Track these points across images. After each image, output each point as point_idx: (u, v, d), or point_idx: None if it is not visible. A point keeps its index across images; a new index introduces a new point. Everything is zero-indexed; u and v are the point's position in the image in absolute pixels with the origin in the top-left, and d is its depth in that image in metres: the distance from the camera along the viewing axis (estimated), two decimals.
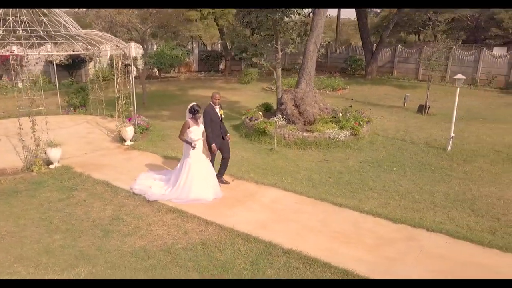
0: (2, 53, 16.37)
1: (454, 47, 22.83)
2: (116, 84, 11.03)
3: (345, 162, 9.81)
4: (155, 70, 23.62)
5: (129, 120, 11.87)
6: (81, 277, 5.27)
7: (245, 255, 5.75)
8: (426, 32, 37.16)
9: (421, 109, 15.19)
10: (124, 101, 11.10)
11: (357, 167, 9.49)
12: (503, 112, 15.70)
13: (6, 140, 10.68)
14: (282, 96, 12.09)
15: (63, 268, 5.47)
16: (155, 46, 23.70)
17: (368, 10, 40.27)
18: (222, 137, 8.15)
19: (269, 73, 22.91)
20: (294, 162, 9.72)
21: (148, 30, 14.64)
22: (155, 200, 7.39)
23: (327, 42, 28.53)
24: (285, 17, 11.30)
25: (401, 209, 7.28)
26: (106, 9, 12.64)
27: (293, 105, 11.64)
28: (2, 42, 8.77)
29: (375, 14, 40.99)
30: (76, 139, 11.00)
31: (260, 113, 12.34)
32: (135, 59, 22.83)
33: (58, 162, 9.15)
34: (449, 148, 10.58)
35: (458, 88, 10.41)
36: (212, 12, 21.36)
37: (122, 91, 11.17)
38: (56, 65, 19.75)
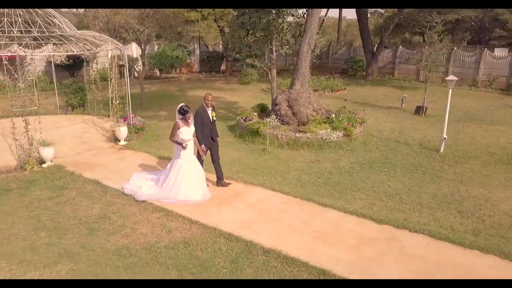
0: (3, 53, 16.59)
1: (455, 48, 22.75)
2: (110, 84, 11.14)
3: (336, 162, 9.83)
4: (156, 70, 23.76)
5: (125, 120, 11.99)
6: (62, 274, 5.36)
7: (225, 254, 5.81)
8: (430, 33, 37.19)
9: (419, 110, 15.15)
10: (118, 101, 11.18)
11: (348, 167, 9.51)
12: (501, 113, 15.61)
13: (2, 139, 10.83)
14: (276, 97, 12.13)
15: (46, 265, 5.56)
16: (156, 47, 23.84)
17: (372, 10, 40.27)
18: (212, 139, 8.18)
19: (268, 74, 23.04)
20: (286, 163, 9.76)
21: (146, 31, 14.71)
22: (144, 200, 7.45)
23: (330, 43, 28.55)
24: (279, 18, 11.32)
25: (386, 210, 7.30)
26: (103, 11, 12.74)
27: (287, 106, 11.68)
28: None
29: (379, 15, 40.87)
30: (71, 139, 11.13)
31: (255, 113, 12.39)
32: (136, 59, 23.03)
33: (51, 161, 9.28)
34: (442, 149, 10.56)
35: (450, 90, 10.39)
36: (212, 13, 21.45)
37: (116, 92, 11.28)
38: (57, 65, 19.99)
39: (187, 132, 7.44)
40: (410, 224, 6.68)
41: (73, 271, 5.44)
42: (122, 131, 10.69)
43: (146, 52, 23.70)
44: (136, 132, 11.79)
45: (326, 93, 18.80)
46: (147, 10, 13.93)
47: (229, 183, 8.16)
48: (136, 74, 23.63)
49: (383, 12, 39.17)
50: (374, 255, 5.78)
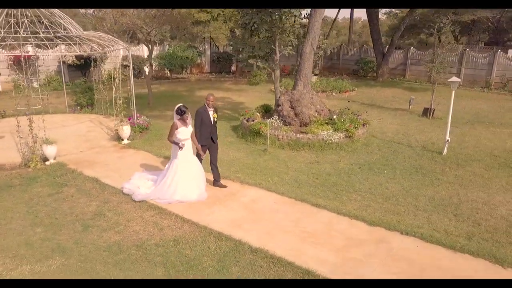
0: (17, 53, 16.99)
1: (467, 49, 22.40)
2: (114, 84, 11.33)
3: (336, 164, 9.81)
4: (167, 71, 24.01)
5: (129, 119, 12.18)
6: (52, 269, 5.49)
7: (213, 253, 5.87)
8: (446, 34, 36.62)
9: (426, 112, 14.97)
10: (121, 101, 11.36)
11: (347, 169, 9.47)
12: (511, 116, 15.31)
13: (10, 138, 11.11)
14: (279, 97, 12.16)
15: (38, 259, 5.71)
16: (167, 47, 24.10)
17: (387, 11, 39.87)
18: (213, 140, 8.20)
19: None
20: (285, 163, 9.77)
21: (153, 31, 14.90)
22: (141, 200, 7.49)
23: (341, 44, 28.42)
24: (281, 19, 11.35)
25: (381, 212, 7.26)
26: (110, 12, 12.97)
27: (289, 107, 11.69)
28: (2, 43, 9.14)
29: (394, 16, 40.44)
30: (76, 137, 11.35)
31: (258, 114, 12.43)
32: (147, 60, 23.32)
33: (54, 158, 9.49)
34: (445, 151, 10.43)
35: (453, 91, 10.25)
36: (222, 14, 21.57)
37: (120, 91, 11.46)
38: (69, 65, 20.44)
39: (184, 132, 7.50)
40: (402, 226, 6.63)
41: (64, 266, 5.57)
42: (125, 130, 10.86)
43: (157, 52, 24.08)
44: (140, 132, 11.97)
45: (334, 94, 18.73)
46: (153, 11, 14.10)
47: (226, 186, 8.19)
48: (147, 74, 23.96)
49: (397, 12, 38.79)
50: (360, 257, 5.77)
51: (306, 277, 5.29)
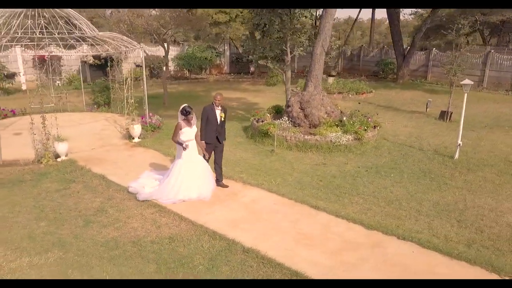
0: (41, 53, 17.60)
1: (492, 51, 21.74)
2: (126, 84, 11.58)
3: (342, 166, 9.72)
4: (186, 71, 24.32)
5: (142, 118, 12.42)
6: (50, 262, 5.68)
7: (206, 251, 5.93)
8: (474, 35, 35.53)
9: (443, 115, 14.62)
10: (133, 100, 11.59)
11: (353, 171, 9.37)
12: None
13: (27, 134, 11.49)
14: (289, 98, 12.14)
15: (38, 252, 5.91)
16: (186, 48, 24.41)
17: (413, 11, 39.07)
18: (218, 140, 8.24)
19: (297, 75, 22.98)
20: (291, 165, 9.75)
21: (169, 32, 15.14)
22: (145, 199, 7.55)
23: (361, 46, 28.08)
24: (291, 20, 11.32)
25: (381, 216, 7.15)
26: (126, 14, 13.27)
27: (299, 108, 11.66)
28: (18, 43, 9.50)
29: (420, 16, 39.58)
30: (90, 135, 11.66)
31: (269, 115, 12.44)
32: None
33: (66, 155, 9.78)
34: (457, 156, 10.16)
35: (466, 94, 9.97)
36: (240, 15, 21.68)
37: (132, 91, 11.70)
38: (90, 65, 20.98)
39: (188, 133, 7.57)
40: (400, 231, 6.52)
41: (61, 260, 5.74)
42: (136, 129, 11.08)
43: (176, 53, 24.43)
44: (152, 131, 12.18)
45: (350, 95, 18.53)
46: (168, 12, 14.32)
47: (227, 186, 8.24)
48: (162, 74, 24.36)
49: (423, 13, 37.95)
50: (353, 261, 5.71)
51: (294, 279, 5.28)
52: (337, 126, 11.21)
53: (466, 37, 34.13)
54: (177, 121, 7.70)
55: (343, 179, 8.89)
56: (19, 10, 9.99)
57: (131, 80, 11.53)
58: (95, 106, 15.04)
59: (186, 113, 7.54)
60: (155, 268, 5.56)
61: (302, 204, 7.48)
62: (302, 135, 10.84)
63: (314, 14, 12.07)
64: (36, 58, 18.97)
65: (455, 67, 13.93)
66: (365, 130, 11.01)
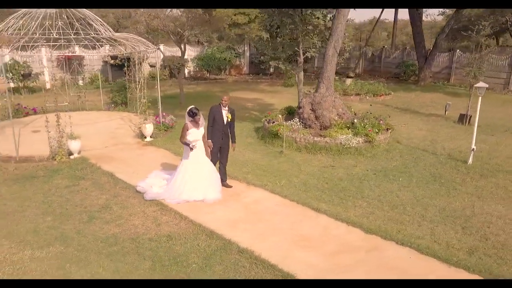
0: (66, 53, 18.15)
1: None
2: (138, 84, 11.80)
3: (351, 169, 9.61)
4: (205, 72, 24.55)
5: (156, 118, 12.64)
6: (50, 256, 5.86)
7: (201, 250, 5.99)
8: (505, 36, 34.35)
9: (462, 118, 14.23)
10: (145, 100, 11.80)
11: (361, 174, 9.25)
12: None
13: (44, 132, 11.88)
14: (301, 100, 12.10)
15: (40, 246, 6.11)
16: (206, 48, 24.64)
17: (441, 11, 38.14)
18: (222, 139, 8.30)
19: (316, 77, 22.82)
20: (298, 166, 9.71)
21: (186, 33, 15.34)
22: (152, 199, 7.64)
23: (382, 47, 27.65)
24: (302, 21, 11.28)
25: (383, 220, 7.04)
26: (142, 15, 13.54)
27: (310, 109, 11.59)
28: (35, 44, 9.84)
29: (447, 16, 38.61)
30: (104, 133, 11.95)
31: (280, 116, 12.41)
32: (186, 61, 23.99)
33: (79, 153, 10.06)
34: (470, 161, 9.88)
35: (480, 97, 9.68)
36: (260, 16, 21.70)
37: (145, 91, 11.91)
38: (112, 65, 21.47)
39: (195, 134, 7.63)
40: (400, 236, 6.40)
41: (61, 254, 5.92)
42: (148, 128, 11.29)
43: (196, 54, 24.70)
44: (165, 130, 12.36)
45: (368, 97, 18.27)
46: (184, 13, 14.52)
47: (231, 186, 8.28)
48: (186, 75, 24.67)
49: (451, 13, 36.97)
50: (349, 264, 5.65)
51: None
52: (348, 128, 11.09)
53: (493, 38, 33.21)
54: (185, 121, 7.78)
55: (350, 182, 8.79)
56: (38, 12, 10.34)
57: (145, 80, 11.73)
58: (112, 105, 15.39)
59: (193, 114, 7.60)
60: (150, 265, 5.66)
61: (304, 206, 7.45)
62: (312, 137, 10.78)
63: (328, 15, 11.88)
64: (61, 58, 19.61)
65: (474, 69, 13.54)
66: (377, 132, 10.85)
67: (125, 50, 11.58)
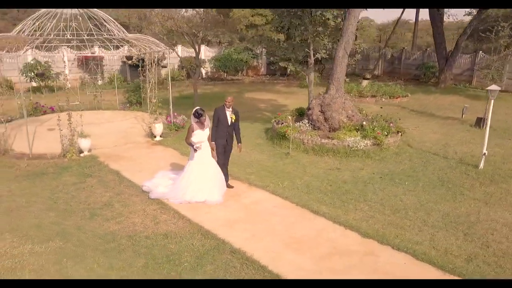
0: (85, 54, 18.61)
1: None
2: (149, 84, 11.99)
3: (357, 172, 9.49)
4: (222, 72, 24.72)
5: (167, 118, 12.82)
6: (49, 250, 6.03)
7: (195, 249, 6.05)
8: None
9: (479, 122, 13.84)
10: (155, 100, 11.98)
11: (367, 177, 9.13)
12: None
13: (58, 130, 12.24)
14: (311, 101, 12.03)
15: (41, 241, 6.28)
16: (223, 49, 24.81)
17: (468, 11, 37.10)
18: (227, 141, 8.34)
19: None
20: (304, 168, 9.67)
21: (200, 34, 15.50)
22: (156, 198, 7.73)
23: (403, 48, 27.19)
24: (312, 22, 11.22)
25: (382, 224, 6.93)
26: (155, 16, 13.76)
27: (319, 111, 11.52)
28: (49, 44, 10.15)
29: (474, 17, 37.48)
30: (116, 132, 12.19)
31: (290, 117, 12.36)
32: (203, 61, 24.23)
33: (89, 151, 10.31)
34: (481, 166, 9.60)
35: (492, 100, 9.40)
36: (272, 17, 21.74)
37: (156, 91, 12.10)
38: (130, 65, 21.91)
39: (200, 135, 7.68)
40: (397, 241, 6.29)
41: (60, 249, 6.07)
42: (157, 128, 11.46)
43: (214, 55, 24.89)
44: (176, 130, 12.54)
45: (384, 99, 18.00)
46: (198, 14, 14.67)
47: (232, 186, 8.31)
48: (203, 75, 24.90)
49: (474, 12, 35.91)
50: (339, 268, 5.59)
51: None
52: (357, 130, 10.96)
53: None
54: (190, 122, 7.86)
55: (354, 185, 8.69)
56: (52, 13, 10.65)
57: (155, 81, 11.92)
58: (127, 105, 15.69)
59: (198, 115, 7.65)
60: (143, 263, 5.75)
61: (303, 208, 7.41)
62: (319, 139, 10.71)
63: (338, 18, 11.77)
64: (81, 58, 20.13)
65: (492, 72, 13.15)
66: (386, 135, 10.68)
67: (139, 51, 11.80)
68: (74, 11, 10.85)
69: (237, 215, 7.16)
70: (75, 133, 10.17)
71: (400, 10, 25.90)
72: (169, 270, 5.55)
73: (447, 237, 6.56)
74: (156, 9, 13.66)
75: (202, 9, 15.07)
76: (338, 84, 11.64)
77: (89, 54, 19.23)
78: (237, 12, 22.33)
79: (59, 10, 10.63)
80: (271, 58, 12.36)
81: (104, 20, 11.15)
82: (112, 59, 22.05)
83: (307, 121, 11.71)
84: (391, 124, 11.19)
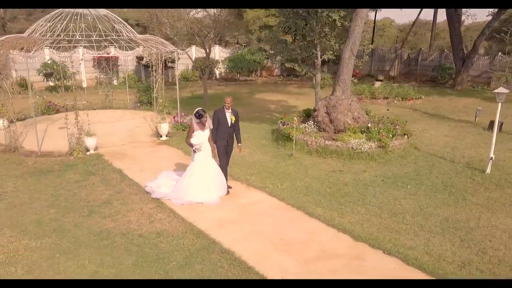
0: (101, 54, 18.98)
1: None
2: (155, 84, 12.15)
3: (359, 174, 9.39)
4: (236, 73, 24.83)
5: (174, 118, 12.97)
6: (43, 246, 6.19)
7: (185, 249, 6.10)
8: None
9: (492, 125, 13.46)
10: (162, 100, 12.13)
11: (368, 180, 9.02)
12: None
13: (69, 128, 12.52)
14: (317, 102, 11.97)
15: (38, 237, 6.46)
16: (237, 50, 24.92)
17: (491, 11, 36.21)
18: (227, 142, 8.36)
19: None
20: (305, 170, 9.62)
21: (211, 35, 15.60)
22: (158, 198, 7.78)
23: (419, 49, 26.73)
24: (317, 23, 11.15)
25: (377, 228, 6.84)
26: (165, 17, 13.92)
27: (324, 112, 11.45)
28: (58, 45, 10.40)
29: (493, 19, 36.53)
30: (125, 131, 12.40)
31: (296, 118, 12.33)
32: (217, 62, 24.39)
33: (95, 149, 10.53)
34: (488, 170, 9.37)
35: (500, 104, 9.16)
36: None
37: (163, 90, 12.25)
38: (144, 65, 22.23)
39: (200, 136, 7.70)
40: (390, 245, 6.20)
41: (54, 245, 6.23)
42: (163, 127, 11.61)
43: (228, 55, 25.02)
44: (183, 130, 12.65)
45: (396, 101, 17.74)
46: (208, 16, 14.78)
47: (230, 187, 8.30)
48: (217, 76, 25.05)
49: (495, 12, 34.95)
50: (325, 271, 5.55)
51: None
52: (363, 132, 10.85)
53: None
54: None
55: (354, 188, 8.60)
56: (63, 14, 10.92)
57: (162, 81, 12.07)
58: (138, 104, 15.93)
59: (198, 116, 7.67)
60: (134, 261, 5.84)
61: (298, 209, 7.39)
62: (323, 140, 10.64)
63: (345, 17, 11.66)
64: (96, 59, 20.54)
65: (506, 73, 12.80)
66: (391, 138, 10.53)
67: (148, 51, 11.97)
68: (85, 11, 11.08)
69: (231, 215, 7.19)
70: (81, 131, 10.38)
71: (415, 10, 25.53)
72: (157, 269, 5.61)
73: (442, 242, 6.43)
74: (166, 10, 13.82)
75: (213, 10, 15.17)
76: (344, 85, 11.54)
77: (105, 55, 19.63)
78: (250, 13, 22.42)
79: (69, 11, 10.88)
80: (277, 59, 12.27)
81: (113, 21, 11.35)
82: (127, 60, 22.40)
83: (312, 122, 11.66)
84: (397, 127, 11.02)
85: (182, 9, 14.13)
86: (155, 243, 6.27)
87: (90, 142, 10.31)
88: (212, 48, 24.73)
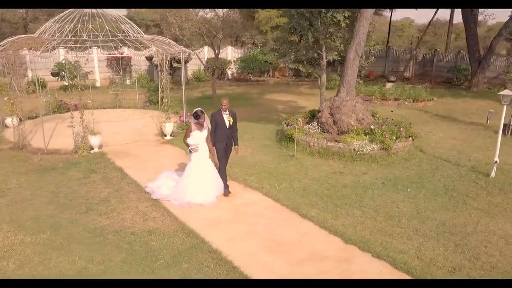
0: (115, 54, 19.28)
1: None
2: (160, 84, 12.27)
3: (360, 176, 9.30)
4: (248, 73, 24.88)
5: (180, 117, 13.09)
6: (38, 241, 6.33)
7: (174, 247, 6.16)
8: None
9: (504, 129, 13.12)
10: (167, 100, 12.25)
11: (368, 182, 8.92)
12: None
13: (77, 127, 12.76)
14: (321, 103, 11.90)
15: (33, 232, 6.60)
16: (249, 50, 24.96)
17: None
18: (226, 144, 8.38)
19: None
20: (306, 171, 9.58)
21: (220, 35, 15.70)
22: (157, 198, 7.84)
23: (435, 50, 26.27)
24: (322, 24, 11.09)
25: (370, 231, 6.76)
26: (173, 17, 14.07)
27: (328, 113, 11.38)
28: (66, 45, 10.63)
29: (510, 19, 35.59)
30: (130, 130, 12.58)
31: (300, 119, 12.28)
32: (229, 62, 24.48)
33: (100, 148, 10.72)
34: (493, 174, 9.15)
35: (505, 107, 8.93)
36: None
37: (169, 90, 12.37)
38: (156, 65, 22.45)
39: (197, 136, 7.75)
40: (380, 248, 6.12)
41: (48, 241, 6.36)
42: (167, 127, 11.73)
43: (240, 56, 25.09)
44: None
45: (407, 103, 17.47)
46: (217, 17, 14.87)
47: (230, 192, 8.25)
48: (229, 76, 25.15)
49: None
50: (312, 273, 5.52)
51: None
52: (366, 134, 10.73)
53: None
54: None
55: (353, 190, 8.52)
56: (72, 16, 11.15)
57: (167, 81, 12.20)
58: (147, 104, 16.13)
59: (196, 116, 7.72)
60: (123, 258, 5.92)
61: (292, 211, 7.37)
62: (326, 142, 10.57)
63: (350, 18, 11.56)
64: (110, 59, 20.88)
65: None
66: (395, 140, 10.39)
67: (156, 51, 12.11)
68: (93, 11, 11.28)
69: (224, 215, 7.22)
70: (87, 130, 10.58)
71: (434, 10, 25.06)
72: (144, 267, 5.68)
73: (436, 247, 6.31)
74: (175, 10, 13.96)
75: (221, 11, 15.26)
76: (349, 86, 11.45)
77: (118, 55, 19.95)
78: (262, 14, 22.43)
79: (77, 13, 11.11)
80: (281, 59, 12.25)
81: (120, 22, 11.53)
82: (140, 59, 22.70)
83: (316, 123, 11.60)
84: (401, 129, 10.86)
85: (190, 10, 14.24)
86: (146, 241, 6.35)
87: (94, 140, 10.50)
88: (224, 49, 24.89)
